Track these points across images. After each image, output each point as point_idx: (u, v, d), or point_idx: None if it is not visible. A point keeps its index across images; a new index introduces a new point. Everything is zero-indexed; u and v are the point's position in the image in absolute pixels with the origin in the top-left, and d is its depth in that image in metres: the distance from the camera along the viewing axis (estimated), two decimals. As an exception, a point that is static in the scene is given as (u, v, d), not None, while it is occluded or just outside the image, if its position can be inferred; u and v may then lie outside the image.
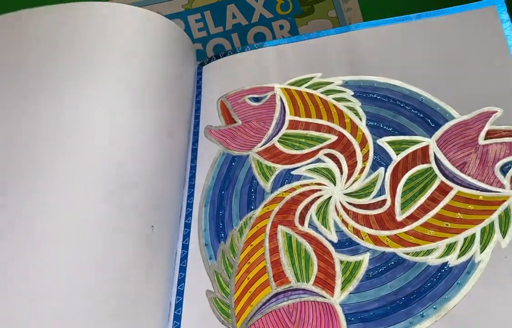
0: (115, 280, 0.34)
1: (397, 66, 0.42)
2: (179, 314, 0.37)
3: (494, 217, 0.33)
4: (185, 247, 0.40)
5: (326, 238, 0.36)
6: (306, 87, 0.45)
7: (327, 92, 0.44)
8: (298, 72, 0.46)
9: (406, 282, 0.33)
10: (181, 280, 0.38)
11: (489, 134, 0.36)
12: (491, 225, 0.33)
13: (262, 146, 0.42)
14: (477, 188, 0.34)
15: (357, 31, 0.45)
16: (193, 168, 0.44)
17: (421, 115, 0.39)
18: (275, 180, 0.40)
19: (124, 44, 0.43)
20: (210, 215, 0.41)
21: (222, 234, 0.39)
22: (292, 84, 0.45)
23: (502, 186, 0.34)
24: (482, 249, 0.32)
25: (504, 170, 0.35)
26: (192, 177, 0.44)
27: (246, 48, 0.50)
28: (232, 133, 0.45)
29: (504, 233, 0.32)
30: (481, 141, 0.36)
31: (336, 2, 0.51)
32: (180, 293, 0.38)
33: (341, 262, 0.35)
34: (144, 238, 0.37)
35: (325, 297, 0.33)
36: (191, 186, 0.43)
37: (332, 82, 0.44)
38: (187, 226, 0.41)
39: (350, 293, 0.33)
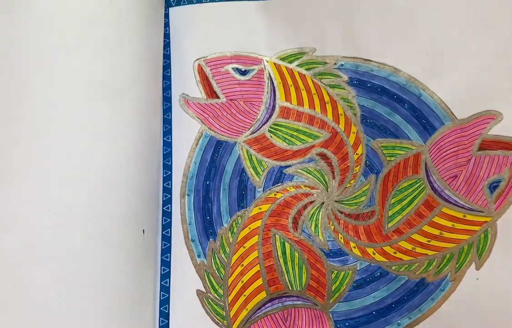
0: (108, 289, 0.35)
1: (396, 49, 0.39)
2: (166, 311, 0.38)
3: (474, 238, 0.36)
4: (167, 239, 0.39)
5: (319, 247, 0.39)
6: (297, 65, 0.41)
7: (321, 75, 0.41)
8: (289, 41, 0.42)
9: (387, 293, 0.37)
10: (166, 275, 0.39)
11: (484, 145, 0.36)
12: (470, 245, 0.36)
13: (251, 134, 0.41)
14: (463, 206, 0.36)
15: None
16: (167, 144, 0.41)
17: (417, 114, 0.38)
18: (266, 177, 0.40)
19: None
20: (195, 206, 0.40)
21: (211, 230, 0.40)
22: (282, 58, 0.42)
23: (486, 206, 0.36)
24: (458, 268, 0.36)
25: (492, 188, 0.36)
26: (168, 155, 0.41)
27: None
28: (215, 112, 0.41)
29: (480, 255, 0.35)
30: (475, 152, 0.37)
31: None
32: (165, 289, 0.38)
33: (332, 271, 0.38)
34: (136, 244, 0.37)
35: (316, 305, 0.38)
36: (167, 167, 0.40)
37: (326, 63, 0.40)
38: (167, 214, 0.40)
39: (339, 302, 0.38)
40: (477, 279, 0.35)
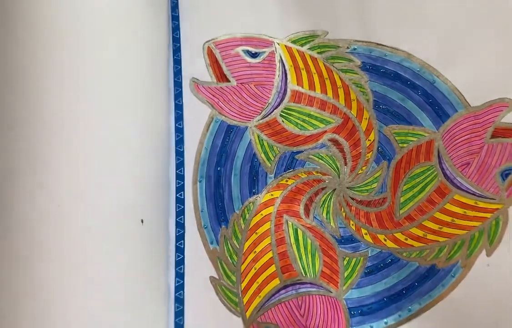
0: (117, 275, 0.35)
1: (410, 34, 0.38)
2: (181, 297, 0.38)
3: (485, 225, 0.36)
4: (180, 226, 0.39)
5: (330, 233, 0.39)
6: (309, 48, 0.40)
7: (333, 59, 0.40)
8: (301, 23, 0.41)
9: (398, 280, 0.37)
10: (180, 262, 0.39)
11: (497, 132, 0.36)
12: (481, 232, 0.36)
13: (262, 119, 0.40)
14: (474, 193, 0.36)
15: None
16: (179, 131, 0.40)
17: (431, 101, 0.38)
18: (278, 163, 0.40)
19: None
20: (207, 193, 0.40)
21: (223, 217, 0.40)
22: (293, 41, 0.41)
23: (498, 193, 0.36)
24: (469, 255, 0.36)
25: (504, 175, 0.36)
26: (180, 141, 0.40)
27: None
28: (225, 96, 0.40)
29: (491, 242, 0.36)
30: (487, 139, 0.36)
31: None
32: (180, 276, 0.38)
33: (344, 258, 0.38)
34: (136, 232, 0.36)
35: (330, 291, 0.38)
36: (179, 153, 0.40)
37: (339, 47, 0.40)
38: (180, 201, 0.39)
39: (351, 289, 0.38)
40: (488, 265, 0.36)
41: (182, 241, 0.39)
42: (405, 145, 0.38)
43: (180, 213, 0.39)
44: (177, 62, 0.41)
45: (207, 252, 0.39)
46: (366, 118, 0.39)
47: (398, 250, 0.38)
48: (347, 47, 0.40)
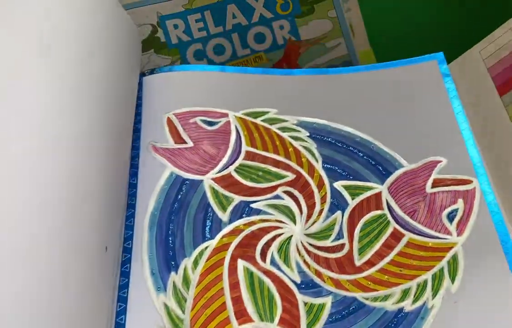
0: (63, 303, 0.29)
1: (348, 114, 0.44)
2: None
3: (443, 263, 0.35)
4: (125, 275, 0.35)
5: (289, 278, 0.35)
6: (261, 120, 0.44)
7: (283, 129, 0.43)
8: (252, 104, 0.45)
9: (366, 327, 0.33)
10: (121, 312, 0.33)
11: (436, 183, 0.39)
12: (441, 271, 0.35)
13: (217, 173, 0.40)
14: (427, 235, 0.37)
15: (312, 77, 0.46)
16: (132, 186, 0.39)
17: (373, 162, 0.41)
18: (233, 211, 0.38)
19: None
20: (157, 240, 0.37)
21: (173, 263, 0.36)
22: (247, 114, 0.45)
23: (449, 233, 0.37)
24: (434, 294, 0.34)
25: (450, 217, 0.37)
26: (132, 195, 0.39)
27: (190, 67, 0.48)
28: (181, 154, 0.41)
29: (453, 279, 0.35)
30: (429, 189, 0.39)
31: (336, 2, 0.52)
32: (120, 326, 0.33)
33: (305, 303, 0.34)
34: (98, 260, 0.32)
35: (290, 341, 0.32)
36: (131, 206, 0.39)
37: (287, 120, 0.44)
38: (127, 250, 0.36)
39: (314, 338, 0.33)
40: (455, 302, 0.33)
41: (126, 290, 0.34)
42: (355, 197, 0.39)
43: (126, 261, 0.35)
44: (137, 130, 0.42)
45: (153, 300, 0.33)
46: (317, 175, 0.40)
47: (363, 295, 0.34)
48: (295, 122, 0.44)
